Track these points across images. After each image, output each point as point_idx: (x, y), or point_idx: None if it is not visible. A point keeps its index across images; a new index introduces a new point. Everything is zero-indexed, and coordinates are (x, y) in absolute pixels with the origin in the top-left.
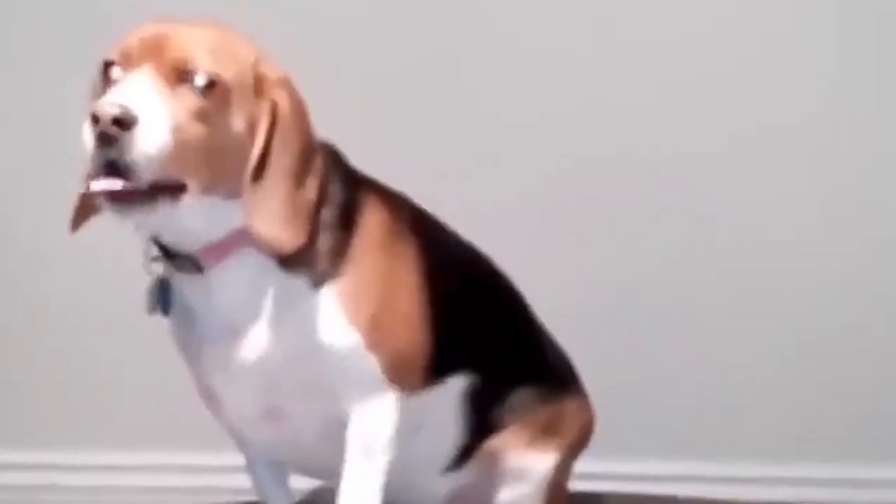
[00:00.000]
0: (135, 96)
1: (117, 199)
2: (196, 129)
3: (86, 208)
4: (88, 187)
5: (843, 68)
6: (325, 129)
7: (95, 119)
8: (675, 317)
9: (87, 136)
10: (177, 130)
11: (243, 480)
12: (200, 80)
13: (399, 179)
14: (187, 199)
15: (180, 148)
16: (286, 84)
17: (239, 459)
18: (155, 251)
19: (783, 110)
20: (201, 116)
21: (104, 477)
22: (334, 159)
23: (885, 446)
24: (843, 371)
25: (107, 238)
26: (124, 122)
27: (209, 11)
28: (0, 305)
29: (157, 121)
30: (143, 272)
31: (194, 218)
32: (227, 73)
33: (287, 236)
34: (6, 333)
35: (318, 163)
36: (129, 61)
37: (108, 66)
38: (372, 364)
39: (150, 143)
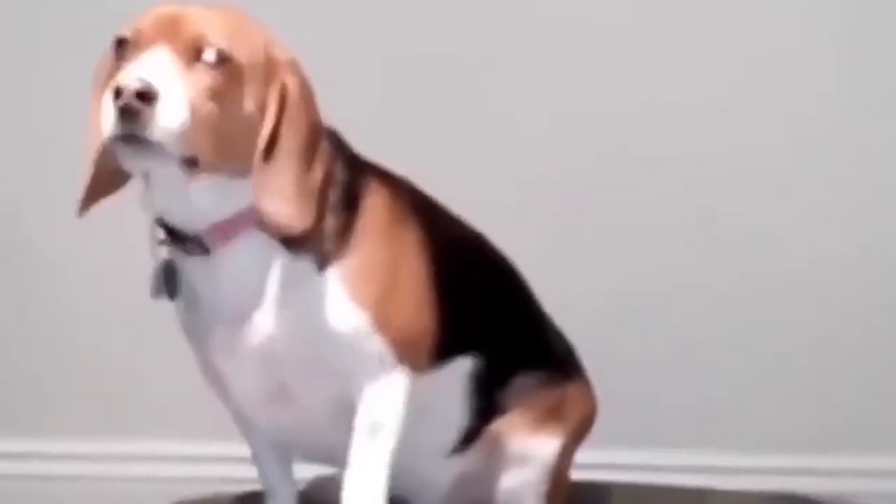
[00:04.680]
0: (155, 72)
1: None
2: (209, 108)
3: (95, 189)
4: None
5: (844, 70)
6: (338, 124)
7: (118, 92)
8: (677, 311)
9: (109, 110)
10: (192, 107)
11: (243, 471)
12: (213, 57)
13: (409, 177)
14: (197, 174)
15: (195, 125)
16: (295, 67)
17: (243, 450)
18: (161, 234)
19: (795, 116)
20: (214, 95)
21: (106, 467)
22: (337, 143)
23: (884, 437)
24: (845, 364)
25: (119, 235)
26: (147, 96)
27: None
28: (8, 298)
29: (177, 96)
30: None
31: (202, 195)
32: (240, 52)
33: (296, 217)
34: (13, 323)
35: (325, 145)
36: (143, 40)
37: (120, 43)
38: (379, 343)
39: (171, 118)
